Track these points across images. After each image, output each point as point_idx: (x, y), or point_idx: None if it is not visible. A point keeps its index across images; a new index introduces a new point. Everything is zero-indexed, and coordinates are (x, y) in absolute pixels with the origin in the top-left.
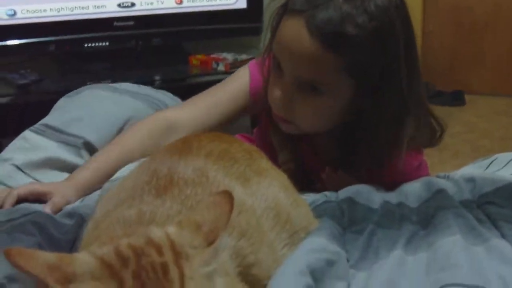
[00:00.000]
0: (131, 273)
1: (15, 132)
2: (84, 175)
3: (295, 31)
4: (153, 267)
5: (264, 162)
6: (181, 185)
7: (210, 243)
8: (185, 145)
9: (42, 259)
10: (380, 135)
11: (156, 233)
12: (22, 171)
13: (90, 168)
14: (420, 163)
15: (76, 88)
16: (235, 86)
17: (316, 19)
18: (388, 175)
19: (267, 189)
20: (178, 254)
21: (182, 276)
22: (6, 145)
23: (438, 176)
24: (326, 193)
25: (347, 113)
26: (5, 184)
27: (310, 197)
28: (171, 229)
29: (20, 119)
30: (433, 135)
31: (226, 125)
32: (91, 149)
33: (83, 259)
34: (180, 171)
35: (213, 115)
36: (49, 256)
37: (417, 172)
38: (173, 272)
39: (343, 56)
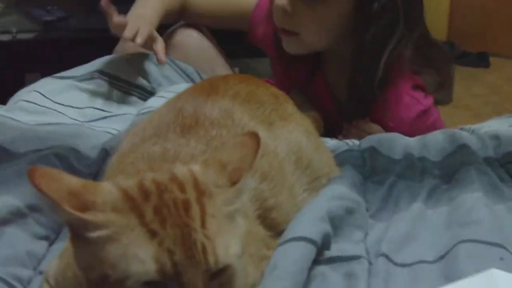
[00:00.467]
0: (152, 208)
1: (40, 68)
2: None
3: None
4: (175, 203)
5: (290, 107)
6: (206, 125)
7: (234, 182)
8: (212, 86)
9: (65, 184)
10: (374, 53)
11: (181, 170)
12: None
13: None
14: (428, 109)
15: (102, 26)
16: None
17: None
18: (395, 115)
19: (290, 133)
20: (201, 192)
21: (203, 214)
22: (31, 81)
23: (462, 129)
24: (348, 141)
25: (347, 30)
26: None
27: (332, 143)
28: (196, 167)
29: (45, 55)
30: (439, 74)
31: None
32: None
33: (107, 189)
34: (206, 111)
35: (219, 12)
36: (74, 182)
37: (425, 117)
38: (195, 209)
39: None
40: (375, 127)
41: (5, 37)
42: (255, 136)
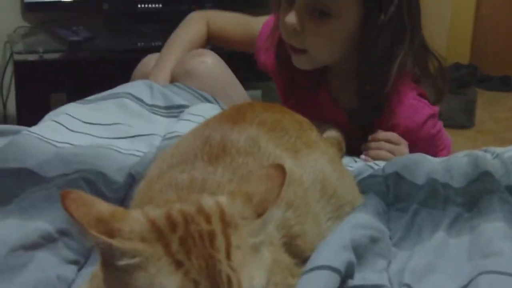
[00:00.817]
0: (178, 239)
1: (66, 87)
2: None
3: None
4: (201, 234)
5: (314, 134)
6: (233, 153)
7: (259, 214)
8: (239, 113)
9: (95, 209)
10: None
11: (208, 201)
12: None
13: (171, 60)
14: (436, 114)
15: (127, 47)
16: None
17: None
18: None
19: (315, 161)
20: (227, 224)
21: (228, 245)
22: (57, 100)
23: (486, 151)
24: (372, 164)
25: (355, 43)
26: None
27: (357, 166)
28: (223, 199)
29: (71, 75)
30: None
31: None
32: None
33: (135, 218)
34: (233, 139)
35: (232, 34)
36: (103, 208)
37: (434, 121)
38: (220, 241)
39: None
40: (391, 135)
41: (32, 57)
42: (281, 169)
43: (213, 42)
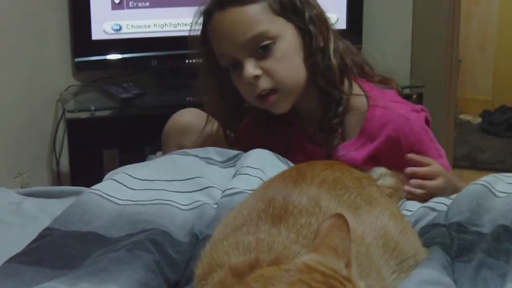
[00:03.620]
0: None
1: (117, 144)
2: None
3: (218, 19)
4: None
5: (374, 190)
6: (295, 214)
7: (346, 264)
8: (299, 173)
9: None
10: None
11: (310, 259)
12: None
13: None
14: (413, 108)
15: (176, 102)
16: None
17: None
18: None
19: (376, 217)
20: (346, 279)
21: None
22: (109, 157)
23: None
24: (431, 205)
25: (310, 64)
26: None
27: (415, 211)
28: (316, 257)
29: (122, 132)
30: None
31: None
32: None
33: None
34: (295, 200)
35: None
36: None
37: (414, 116)
38: None
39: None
40: (429, 169)
41: (84, 115)
42: (341, 217)
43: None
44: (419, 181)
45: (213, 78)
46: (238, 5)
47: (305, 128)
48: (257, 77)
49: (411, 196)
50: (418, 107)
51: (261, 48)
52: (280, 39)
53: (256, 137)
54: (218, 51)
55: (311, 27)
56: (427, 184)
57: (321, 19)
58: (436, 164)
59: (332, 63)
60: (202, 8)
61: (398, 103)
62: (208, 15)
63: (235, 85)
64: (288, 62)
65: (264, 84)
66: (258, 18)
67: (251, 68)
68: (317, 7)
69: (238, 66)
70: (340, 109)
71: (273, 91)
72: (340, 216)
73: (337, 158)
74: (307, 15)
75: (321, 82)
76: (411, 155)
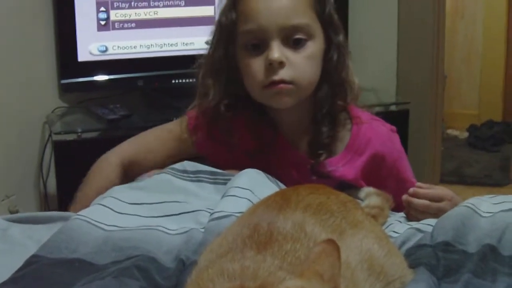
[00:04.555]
0: None
1: None
2: None
3: None
4: None
5: (359, 213)
6: (280, 240)
7: None
8: (284, 199)
9: None
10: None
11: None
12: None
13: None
14: (392, 129)
15: (163, 122)
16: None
17: None
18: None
19: (361, 241)
20: None
21: None
22: None
23: None
24: (418, 225)
25: (325, 74)
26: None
27: (406, 234)
28: (299, 283)
29: None
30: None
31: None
32: None
33: None
34: (280, 226)
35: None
36: None
37: (395, 137)
38: None
39: None
40: (434, 191)
41: (71, 137)
42: (332, 243)
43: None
44: (426, 202)
45: (224, 59)
46: None
47: (289, 136)
48: (281, 63)
49: (415, 219)
50: (394, 128)
51: (295, 40)
52: (313, 39)
53: (242, 136)
54: (248, 24)
55: (337, 42)
56: (433, 205)
57: (345, 42)
58: (440, 189)
59: (348, 79)
60: None
61: (378, 121)
62: None
63: (244, 67)
64: (311, 64)
65: (285, 73)
66: (305, 10)
67: (278, 52)
68: (343, 34)
69: (260, 47)
70: (334, 126)
71: (287, 83)
72: (331, 241)
73: (325, 173)
74: (338, 32)
75: (328, 94)
76: (418, 184)
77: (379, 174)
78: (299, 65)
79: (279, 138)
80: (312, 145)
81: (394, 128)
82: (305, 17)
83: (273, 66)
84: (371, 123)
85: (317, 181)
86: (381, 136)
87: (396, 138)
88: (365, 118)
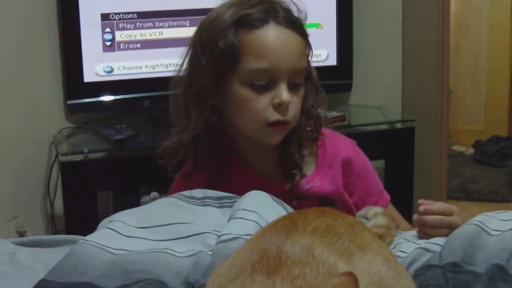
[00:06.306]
0: None
1: (111, 186)
2: None
3: (276, 31)
4: None
5: (367, 235)
6: (289, 264)
7: None
8: (292, 222)
9: None
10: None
11: None
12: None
13: None
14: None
15: None
16: None
17: (280, 15)
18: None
19: (369, 263)
20: None
21: None
22: (103, 199)
23: None
24: (426, 245)
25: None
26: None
27: (409, 253)
28: None
29: (117, 173)
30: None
31: None
32: None
33: None
34: (288, 250)
35: None
36: None
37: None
38: None
39: (304, 37)
40: (443, 206)
41: (77, 157)
42: (351, 276)
43: None
44: (439, 217)
45: (213, 88)
46: (296, 32)
47: (252, 164)
48: (289, 104)
49: (428, 237)
50: (354, 141)
51: (295, 83)
52: (303, 85)
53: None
54: (260, 62)
55: (315, 83)
56: (445, 219)
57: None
58: (443, 203)
59: (319, 114)
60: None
61: (340, 134)
62: (262, 21)
63: (242, 101)
64: (300, 105)
65: (286, 114)
66: (305, 53)
67: (288, 96)
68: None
69: (268, 86)
70: (301, 147)
71: (284, 122)
72: (351, 274)
73: (303, 192)
74: (312, 71)
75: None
76: (420, 201)
77: (348, 180)
78: (296, 106)
79: (246, 171)
80: (284, 167)
81: (354, 141)
82: (305, 61)
83: (282, 107)
84: (334, 135)
85: (298, 204)
86: (346, 144)
87: (359, 148)
88: (327, 132)
